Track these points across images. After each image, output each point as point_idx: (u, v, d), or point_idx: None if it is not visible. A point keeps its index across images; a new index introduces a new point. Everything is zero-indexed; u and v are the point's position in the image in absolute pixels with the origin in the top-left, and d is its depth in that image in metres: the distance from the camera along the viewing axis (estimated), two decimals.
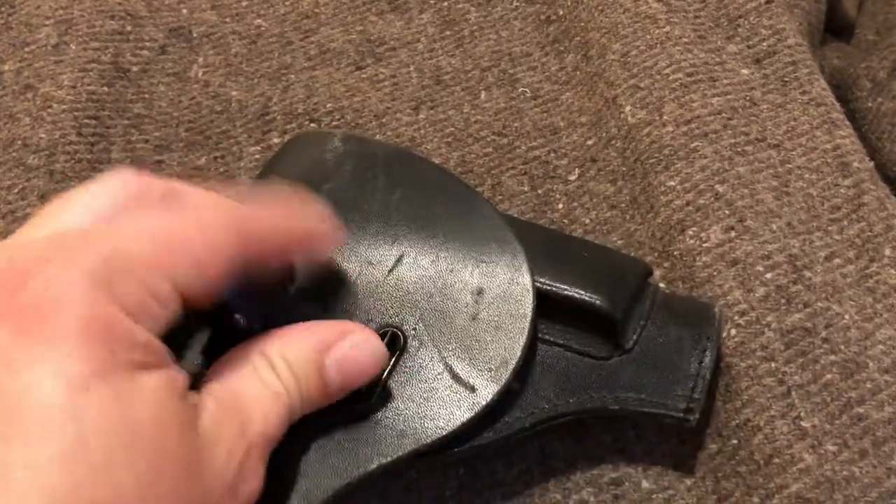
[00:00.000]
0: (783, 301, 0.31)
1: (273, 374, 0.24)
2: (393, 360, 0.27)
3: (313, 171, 0.32)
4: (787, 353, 0.30)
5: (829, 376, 0.30)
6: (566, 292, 0.29)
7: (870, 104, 0.53)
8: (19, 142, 0.38)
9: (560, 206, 0.37)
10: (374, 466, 0.26)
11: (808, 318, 0.31)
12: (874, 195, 0.36)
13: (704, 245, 0.33)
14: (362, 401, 0.26)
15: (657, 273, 0.34)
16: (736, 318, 0.31)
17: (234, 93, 0.42)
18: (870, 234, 0.34)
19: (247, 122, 0.41)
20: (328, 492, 0.25)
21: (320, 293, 0.28)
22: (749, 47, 0.41)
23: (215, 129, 0.41)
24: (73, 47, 0.42)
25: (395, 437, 0.26)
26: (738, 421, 0.30)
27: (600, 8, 0.42)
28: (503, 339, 0.27)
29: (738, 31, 0.42)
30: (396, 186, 0.31)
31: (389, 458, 0.26)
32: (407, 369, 0.27)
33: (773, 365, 0.30)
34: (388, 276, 0.29)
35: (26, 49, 0.42)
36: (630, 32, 0.41)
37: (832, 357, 0.30)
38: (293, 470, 0.25)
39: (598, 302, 0.29)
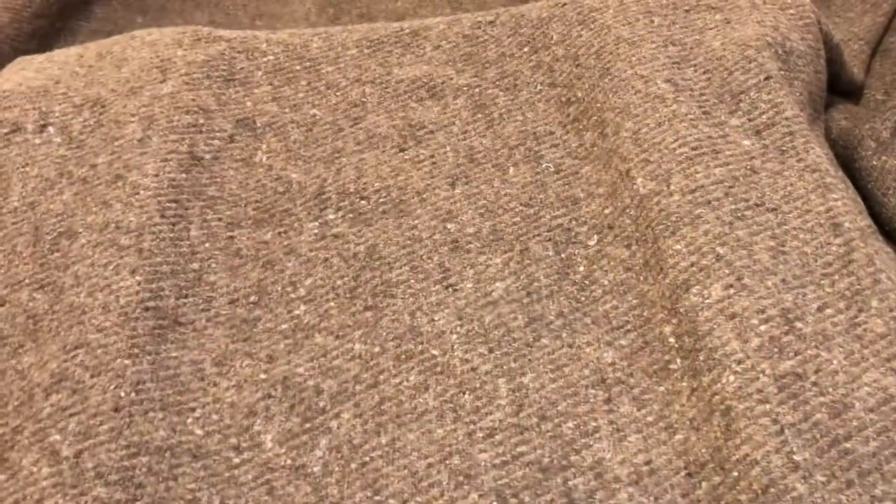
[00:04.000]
0: (776, 350, 0.36)
1: None
2: None
3: None
4: (780, 395, 0.34)
5: (818, 416, 0.34)
6: None
7: (875, 162, 0.57)
8: (113, 225, 0.45)
9: (581, 268, 0.42)
10: None
11: (798, 364, 0.35)
12: (863, 252, 0.40)
13: (706, 301, 0.38)
14: None
15: (667, 329, 0.39)
16: (734, 366, 0.35)
17: (293, 175, 0.48)
18: (858, 287, 0.39)
19: (305, 201, 0.47)
20: None
21: None
22: (750, 120, 0.46)
23: (278, 208, 0.47)
24: (155, 140, 0.49)
25: None
26: (737, 456, 0.34)
27: (614, 90, 0.48)
28: None
29: (740, 106, 0.47)
30: None
31: None
32: None
33: (767, 406, 0.34)
34: None
35: (115, 143, 0.49)
36: (641, 112, 0.46)
37: (821, 399, 0.34)
38: None
39: None
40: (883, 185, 0.56)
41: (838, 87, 0.61)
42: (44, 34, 0.74)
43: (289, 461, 0.37)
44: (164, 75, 0.52)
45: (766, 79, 0.48)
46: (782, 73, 0.49)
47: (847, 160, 0.59)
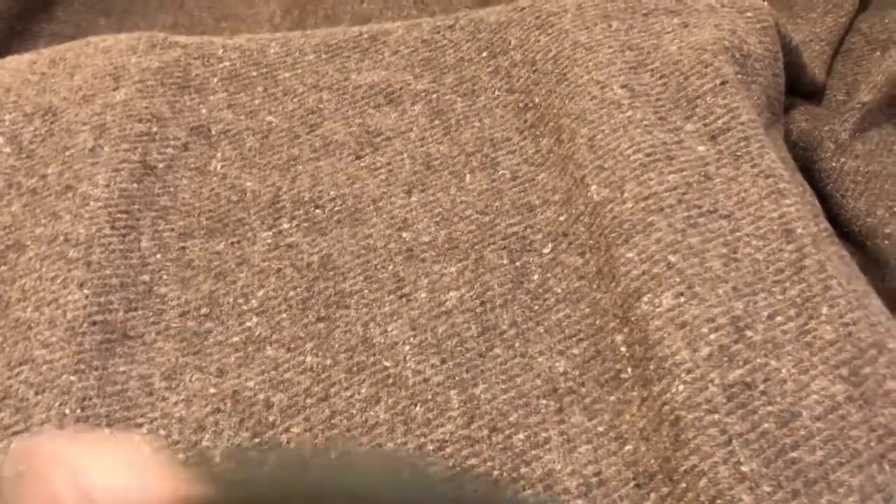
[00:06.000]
0: (725, 359, 0.36)
1: None
2: None
3: None
4: (728, 405, 0.34)
5: (766, 425, 0.34)
6: None
7: (833, 164, 0.57)
8: (61, 237, 0.44)
9: (535, 277, 0.42)
10: None
11: (747, 373, 0.35)
12: (815, 258, 0.40)
13: (657, 310, 0.37)
14: None
15: (618, 338, 0.39)
16: (683, 375, 0.35)
17: (248, 183, 0.48)
18: (809, 293, 0.39)
19: (259, 210, 0.46)
20: None
21: None
22: (705, 125, 0.46)
23: (232, 218, 0.46)
24: (107, 149, 0.48)
25: None
26: (685, 467, 0.34)
27: (571, 95, 0.48)
28: None
29: (696, 111, 0.47)
30: None
31: None
32: None
33: (716, 416, 0.34)
34: None
35: (66, 153, 0.48)
36: (596, 118, 0.46)
37: (769, 408, 0.34)
38: None
39: None
40: (842, 187, 0.56)
41: (799, 89, 0.62)
42: (3, 37, 0.73)
43: None
44: (118, 82, 0.52)
45: (723, 83, 0.48)
46: (739, 77, 0.49)
47: (807, 162, 0.59)
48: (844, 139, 0.58)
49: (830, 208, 0.56)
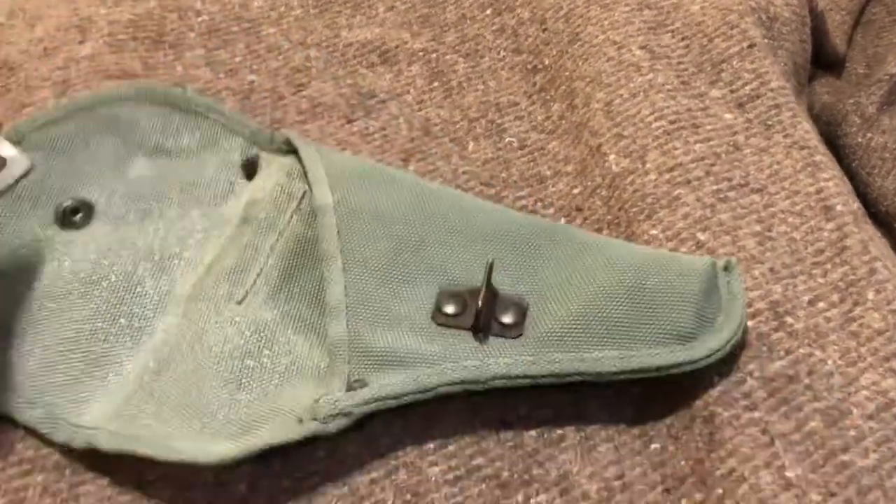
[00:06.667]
0: (765, 349, 0.32)
1: None
2: None
3: None
4: (769, 401, 0.30)
5: (812, 424, 0.30)
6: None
7: (860, 139, 0.53)
8: None
9: None
10: None
11: (790, 365, 0.31)
12: (857, 238, 0.36)
13: None
14: None
15: None
16: (718, 366, 0.31)
17: None
18: (853, 277, 0.35)
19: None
20: None
21: None
22: (732, 92, 0.42)
23: None
24: None
25: None
26: (722, 471, 0.30)
27: (584, 57, 0.43)
28: None
29: (722, 76, 0.43)
30: None
31: None
32: None
33: (756, 414, 0.30)
34: None
35: (24, 111, 0.43)
36: (614, 81, 0.42)
37: (815, 404, 0.30)
38: None
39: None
40: (868, 164, 0.53)
41: (821, 59, 0.58)
42: None
43: (211, 478, 0.32)
44: (84, 35, 0.47)
45: (750, 46, 0.44)
46: (766, 40, 0.45)
47: (831, 137, 0.55)
48: (871, 113, 0.54)
49: (856, 186, 0.52)
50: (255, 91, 0.45)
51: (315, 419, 0.30)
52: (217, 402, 0.31)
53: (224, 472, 0.31)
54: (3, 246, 0.36)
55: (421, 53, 0.47)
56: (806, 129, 0.41)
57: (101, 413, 0.32)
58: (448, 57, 0.46)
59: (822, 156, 0.40)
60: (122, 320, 0.34)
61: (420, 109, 0.44)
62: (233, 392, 0.32)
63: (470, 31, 0.47)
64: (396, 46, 0.47)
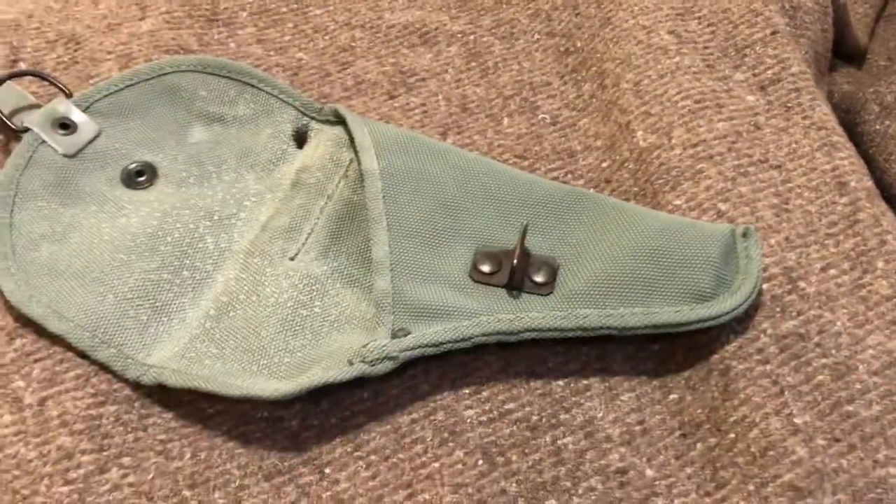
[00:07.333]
0: (778, 309, 0.34)
1: None
2: None
3: None
4: (781, 356, 0.33)
5: (820, 377, 0.33)
6: None
7: (878, 127, 0.55)
8: None
9: None
10: None
11: (801, 324, 0.34)
12: (869, 212, 0.38)
13: None
14: None
15: None
16: (734, 324, 0.34)
17: None
18: (864, 247, 0.37)
19: None
20: None
21: None
22: (755, 75, 0.44)
23: None
24: None
25: None
26: (735, 417, 0.32)
27: (615, 40, 0.46)
28: None
29: (745, 61, 0.45)
30: None
31: None
32: None
33: (767, 367, 0.33)
34: None
35: (90, 82, 0.46)
36: (643, 63, 0.44)
37: (824, 360, 0.33)
38: None
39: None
40: (885, 151, 0.55)
41: (842, 50, 0.60)
42: None
43: (266, 413, 0.35)
44: (144, 12, 0.50)
45: (773, 33, 0.46)
46: (789, 28, 0.47)
47: (849, 124, 0.57)
48: (890, 101, 0.56)
49: (873, 172, 0.54)
50: (304, 68, 0.48)
51: (363, 361, 0.33)
52: (273, 346, 0.34)
53: (278, 408, 0.34)
54: (77, 203, 0.39)
55: (459, 35, 0.49)
56: (824, 112, 0.43)
57: (168, 354, 0.35)
58: (485, 39, 0.49)
59: (839, 137, 0.42)
60: (186, 272, 0.37)
61: (458, 87, 0.47)
62: (288, 337, 0.35)
63: (505, 14, 0.50)
64: (436, 28, 0.50)
